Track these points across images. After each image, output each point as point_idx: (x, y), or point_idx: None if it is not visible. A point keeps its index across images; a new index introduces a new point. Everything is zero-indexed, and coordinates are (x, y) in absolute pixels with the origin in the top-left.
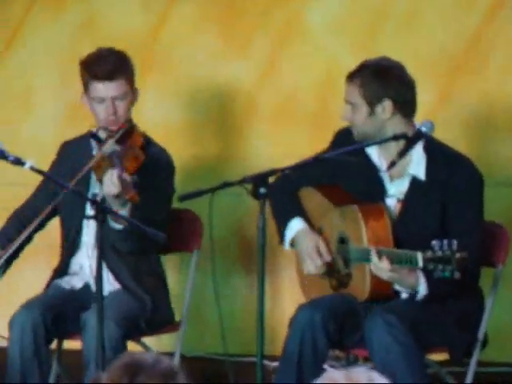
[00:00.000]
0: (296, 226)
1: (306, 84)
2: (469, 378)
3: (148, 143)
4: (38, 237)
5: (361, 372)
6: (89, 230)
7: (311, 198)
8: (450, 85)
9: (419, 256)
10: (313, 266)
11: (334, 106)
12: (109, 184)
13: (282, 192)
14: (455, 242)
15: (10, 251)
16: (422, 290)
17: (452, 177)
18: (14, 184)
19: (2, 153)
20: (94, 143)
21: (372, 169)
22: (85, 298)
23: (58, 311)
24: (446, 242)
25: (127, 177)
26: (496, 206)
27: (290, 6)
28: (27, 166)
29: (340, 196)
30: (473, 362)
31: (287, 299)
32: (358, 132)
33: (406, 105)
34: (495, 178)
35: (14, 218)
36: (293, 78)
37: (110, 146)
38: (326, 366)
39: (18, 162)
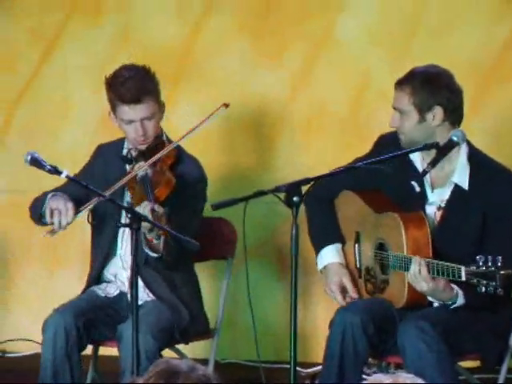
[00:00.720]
0: (328, 256)
1: (338, 94)
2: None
3: (180, 158)
4: (71, 243)
5: (408, 378)
6: (123, 243)
7: (350, 202)
8: (482, 94)
9: (462, 270)
10: (337, 301)
11: (365, 116)
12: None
13: (319, 204)
14: (500, 259)
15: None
16: (460, 300)
17: (494, 188)
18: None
19: (39, 162)
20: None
21: (413, 175)
22: (119, 305)
23: (90, 317)
24: (490, 257)
25: (160, 209)
26: None
27: (324, 16)
28: (63, 175)
29: (381, 202)
30: (504, 368)
31: (320, 307)
32: (405, 139)
33: (454, 112)
34: None
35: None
36: (325, 89)
37: (141, 168)
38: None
39: (55, 171)
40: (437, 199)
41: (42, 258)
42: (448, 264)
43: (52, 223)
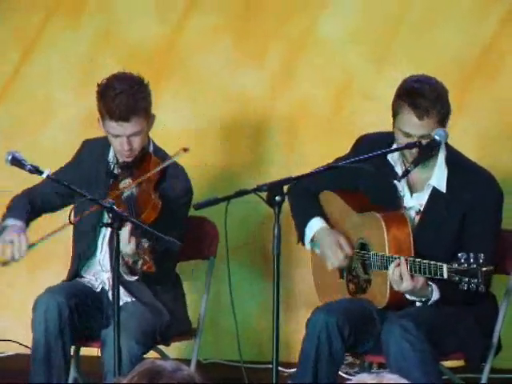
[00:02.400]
0: (316, 224)
1: (320, 93)
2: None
3: (165, 173)
4: (52, 244)
5: (392, 378)
6: (103, 248)
7: (331, 202)
8: (465, 93)
9: (444, 267)
10: (335, 258)
11: (348, 115)
12: (125, 246)
13: (302, 193)
14: (482, 256)
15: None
16: (435, 294)
17: (472, 190)
18: None
19: (20, 162)
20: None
21: (392, 180)
22: (102, 300)
23: (80, 299)
24: (472, 254)
25: (144, 243)
26: (509, 214)
27: (305, 16)
28: (44, 174)
29: (362, 202)
30: (487, 368)
31: (302, 306)
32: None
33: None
34: (509, 187)
35: (23, 198)
36: (307, 88)
37: (127, 188)
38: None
39: (36, 170)
40: (416, 203)
41: (23, 260)
42: (430, 262)
43: (5, 255)
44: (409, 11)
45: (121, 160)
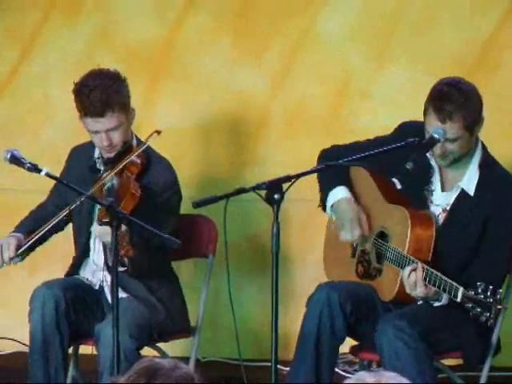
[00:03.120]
0: (342, 193)
1: (318, 92)
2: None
3: (149, 163)
4: (50, 243)
5: (391, 377)
6: (95, 248)
7: (362, 179)
8: None
9: (460, 291)
10: (350, 233)
11: (346, 114)
12: (103, 234)
13: (333, 159)
14: (500, 292)
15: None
16: (444, 301)
17: (499, 197)
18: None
19: (19, 160)
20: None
21: (427, 175)
22: (100, 297)
23: (77, 293)
24: (491, 287)
25: (122, 227)
26: None
27: (304, 15)
28: (43, 172)
29: (393, 193)
30: (486, 367)
31: (301, 303)
32: (454, 158)
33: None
34: None
35: (30, 218)
36: (305, 86)
37: (107, 179)
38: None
39: (35, 168)
40: (443, 201)
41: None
42: (447, 280)
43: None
44: (407, 9)
45: (105, 156)
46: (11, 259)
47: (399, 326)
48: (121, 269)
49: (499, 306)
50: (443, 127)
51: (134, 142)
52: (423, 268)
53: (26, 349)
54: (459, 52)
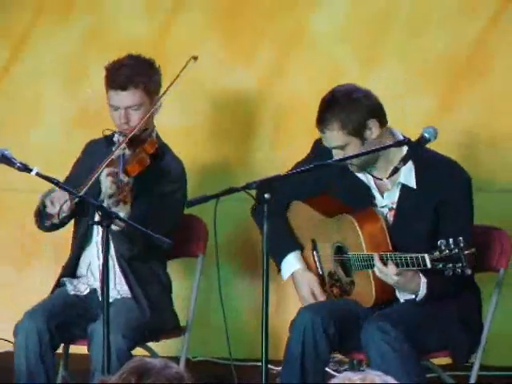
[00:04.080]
0: (292, 265)
1: (309, 91)
2: (472, 381)
3: (163, 153)
4: (41, 241)
5: (377, 375)
6: (99, 231)
7: (301, 212)
8: (454, 91)
9: (426, 257)
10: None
11: None
12: (103, 182)
13: (271, 219)
14: (461, 239)
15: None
16: (422, 290)
17: (442, 181)
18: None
19: (10, 159)
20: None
21: (362, 183)
22: (90, 304)
23: (62, 319)
24: (451, 240)
25: (124, 177)
26: (498, 212)
27: (295, 14)
28: (33, 172)
29: (330, 206)
30: (476, 365)
31: (291, 304)
32: (357, 165)
33: (381, 114)
34: (498, 184)
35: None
36: (297, 86)
37: (120, 149)
38: (328, 370)
39: (25, 168)
40: (388, 202)
41: (10, 256)
42: (411, 255)
43: (53, 211)
44: (398, 10)
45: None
46: (68, 207)
47: (383, 328)
48: (114, 227)
49: (466, 251)
50: (324, 137)
51: (155, 134)
52: (387, 255)
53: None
54: (449, 53)
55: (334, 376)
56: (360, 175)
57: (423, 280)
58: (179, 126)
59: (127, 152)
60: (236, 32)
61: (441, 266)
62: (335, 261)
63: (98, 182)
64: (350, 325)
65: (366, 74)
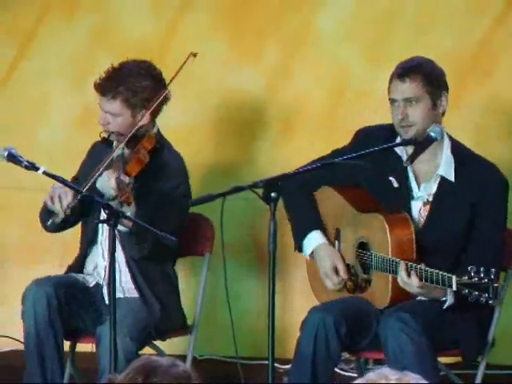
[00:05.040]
0: (315, 239)
1: (316, 90)
2: (478, 379)
3: (162, 148)
4: (48, 240)
5: (415, 378)
6: (104, 231)
7: (330, 198)
8: (461, 89)
9: (453, 279)
10: (330, 283)
11: (344, 112)
12: (104, 185)
13: (297, 192)
14: (493, 271)
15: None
16: (450, 299)
17: (481, 179)
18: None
19: (17, 158)
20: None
21: (393, 170)
22: (96, 296)
23: (70, 291)
24: (483, 269)
25: (125, 178)
26: None
27: (301, 13)
28: (40, 170)
29: (363, 200)
30: (482, 364)
31: (298, 302)
32: (417, 131)
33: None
34: None
35: None
36: (302, 85)
37: (120, 149)
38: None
39: (32, 167)
40: (424, 194)
41: (18, 255)
42: (438, 272)
43: (54, 208)
44: (403, 9)
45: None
46: (68, 206)
47: (403, 318)
48: (122, 228)
49: (496, 284)
50: (403, 85)
51: (155, 129)
52: (414, 269)
53: (22, 347)
54: (455, 52)
55: (340, 375)
56: (403, 156)
57: (448, 289)
58: (184, 125)
59: (126, 151)
60: (242, 32)
61: (466, 291)
62: (356, 255)
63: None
64: (361, 323)
65: (372, 73)
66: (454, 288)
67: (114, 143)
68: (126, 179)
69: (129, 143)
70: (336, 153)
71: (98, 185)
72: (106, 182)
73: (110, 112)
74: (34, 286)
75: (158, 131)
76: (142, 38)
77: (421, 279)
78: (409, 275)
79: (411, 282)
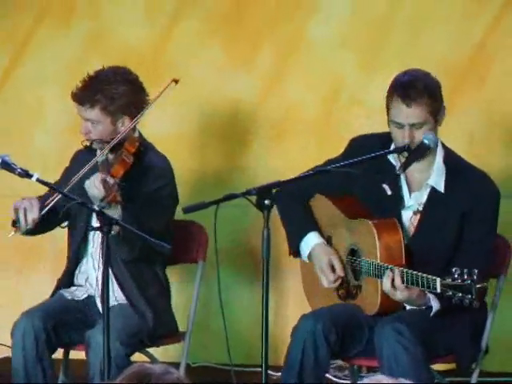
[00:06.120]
0: (312, 240)
1: (309, 97)
2: None
3: (146, 150)
4: (43, 245)
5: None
6: (94, 242)
7: (322, 206)
8: (455, 95)
9: (438, 281)
10: (326, 280)
11: (337, 119)
12: (91, 187)
13: (292, 200)
14: (476, 272)
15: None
16: (435, 304)
17: (471, 190)
18: None
19: (10, 165)
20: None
21: (386, 178)
22: (87, 309)
23: (59, 319)
24: (466, 270)
25: (110, 179)
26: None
27: (295, 20)
28: (34, 178)
29: (354, 208)
30: (476, 372)
31: (291, 309)
32: (405, 164)
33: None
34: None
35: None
36: (296, 92)
37: (103, 155)
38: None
39: (26, 174)
40: (414, 203)
41: (11, 262)
42: (423, 275)
43: (18, 221)
44: (398, 15)
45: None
46: (33, 221)
47: (399, 329)
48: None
49: (478, 285)
50: (408, 111)
51: (137, 133)
52: (399, 271)
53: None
54: (450, 57)
55: (333, 382)
56: (396, 163)
57: (431, 295)
58: (178, 131)
59: (110, 156)
60: (236, 38)
61: (450, 293)
62: (347, 262)
63: (81, 188)
64: (352, 331)
65: (366, 79)
66: (438, 290)
67: (98, 151)
68: (111, 180)
69: (112, 149)
70: (330, 162)
71: (86, 187)
72: (93, 184)
73: (91, 120)
74: (23, 321)
75: (140, 134)
76: (137, 44)
77: (404, 282)
78: (393, 280)
79: (394, 286)
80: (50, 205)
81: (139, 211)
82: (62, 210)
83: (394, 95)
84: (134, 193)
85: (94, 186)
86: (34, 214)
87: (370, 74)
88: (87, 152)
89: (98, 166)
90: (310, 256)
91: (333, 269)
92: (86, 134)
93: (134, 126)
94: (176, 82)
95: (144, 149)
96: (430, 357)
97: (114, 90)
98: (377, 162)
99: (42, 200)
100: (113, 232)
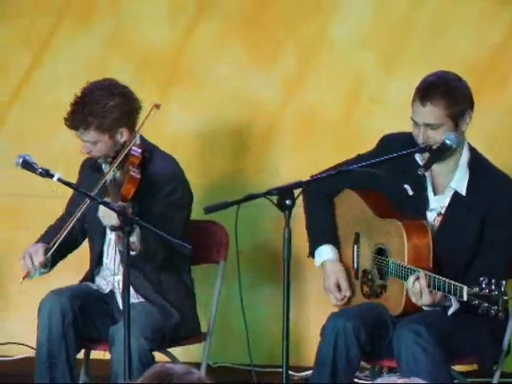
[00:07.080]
0: (325, 254)
1: (330, 98)
2: None
3: (151, 155)
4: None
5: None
6: (109, 253)
7: (352, 202)
8: (476, 96)
9: (465, 290)
10: (334, 300)
11: (358, 120)
12: (105, 217)
13: (319, 199)
14: (504, 283)
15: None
16: (455, 304)
17: (492, 192)
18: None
19: (31, 165)
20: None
21: (416, 182)
22: (110, 302)
23: (86, 302)
24: (494, 281)
25: (121, 204)
26: None
27: (316, 21)
28: (55, 177)
29: (384, 206)
30: (497, 373)
31: (312, 310)
32: (428, 163)
33: (472, 113)
34: None
35: (49, 231)
36: (317, 92)
37: (108, 173)
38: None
39: (47, 173)
40: (437, 205)
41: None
42: (450, 282)
43: (27, 268)
44: (419, 15)
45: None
46: (40, 264)
47: (417, 330)
48: (131, 252)
49: (505, 297)
50: (423, 110)
51: (138, 140)
52: (425, 275)
53: (34, 354)
54: (471, 58)
55: (354, 383)
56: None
57: (452, 297)
58: (200, 132)
59: (117, 173)
60: (257, 39)
61: (476, 302)
62: (373, 261)
63: (94, 209)
64: (379, 330)
65: (387, 79)
66: (465, 298)
67: (103, 166)
68: (122, 205)
69: (118, 165)
70: (360, 157)
71: (100, 217)
72: (107, 214)
73: (89, 141)
74: (50, 298)
75: (142, 138)
76: (158, 45)
77: (430, 286)
78: (419, 283)
79: (418, 289)
80: (55, 246)
81: (155, 223)
82: (78, 233)
83: (416, 94)
84: (145, 207)
85: (108, 216)
86: (39, 258)
87: (390, 74)
88: (94, 163)
89: (106, 186)
90: (320, 266)
91: (339, 288)
92: (88, 153)
93: (134, 132)
94: (157, 106)
95: (149, 154)
96: (451, 358)
97: (102, 108)
98: (402, 161)
99: (46, 238)
100: (133, 253)
